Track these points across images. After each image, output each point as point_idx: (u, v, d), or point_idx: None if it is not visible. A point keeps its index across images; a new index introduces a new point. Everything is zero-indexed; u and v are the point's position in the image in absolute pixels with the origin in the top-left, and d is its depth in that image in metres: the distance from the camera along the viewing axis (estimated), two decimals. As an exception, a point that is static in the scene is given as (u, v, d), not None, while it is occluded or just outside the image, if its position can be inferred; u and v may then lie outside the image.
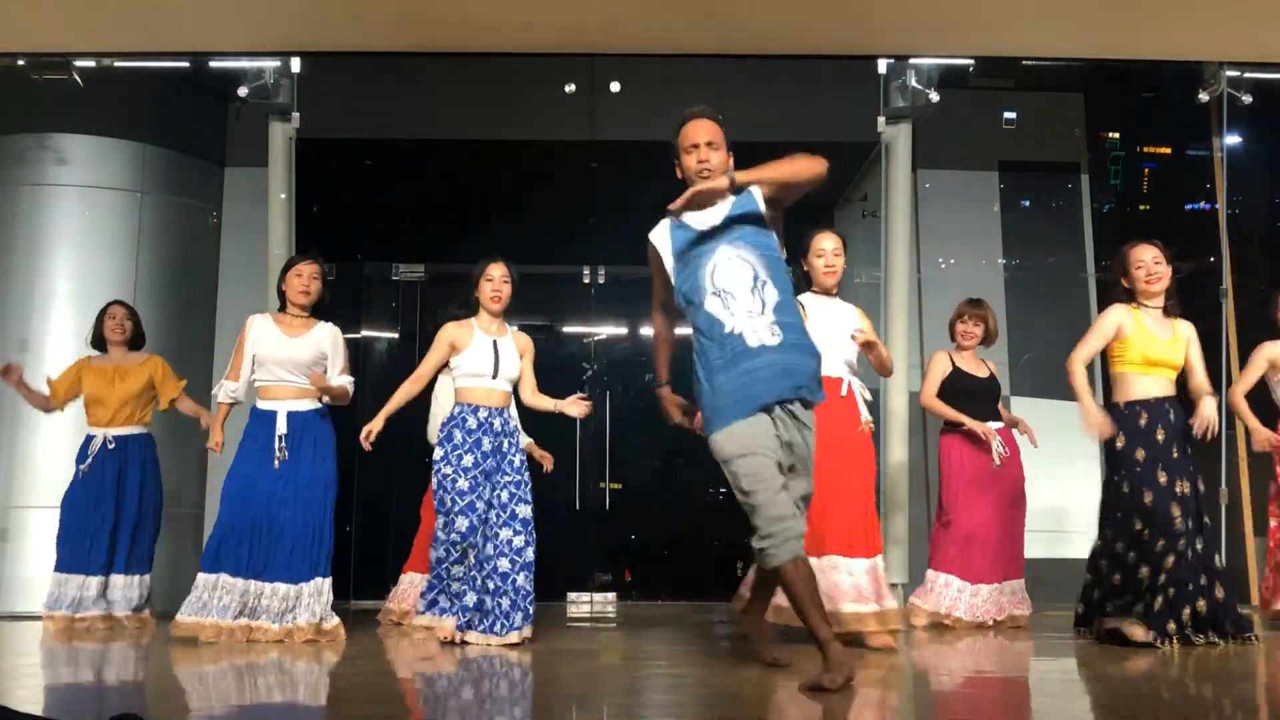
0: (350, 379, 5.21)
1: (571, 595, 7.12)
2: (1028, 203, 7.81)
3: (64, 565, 5.64)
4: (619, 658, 4.51)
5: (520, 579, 4.79)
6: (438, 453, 4.98)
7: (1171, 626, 4.52)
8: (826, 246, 4.92)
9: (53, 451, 6.62)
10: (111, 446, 5.72)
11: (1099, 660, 4.31)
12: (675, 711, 3.21)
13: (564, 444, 7.59)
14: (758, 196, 3.72)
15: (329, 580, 4.97)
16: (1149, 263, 4.84)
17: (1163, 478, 4.65)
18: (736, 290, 3.58)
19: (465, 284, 5.10)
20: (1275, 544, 5.68)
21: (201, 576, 4.92)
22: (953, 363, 5.93)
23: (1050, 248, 7.69)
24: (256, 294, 6.55)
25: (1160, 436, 4.72)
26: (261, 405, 5.05)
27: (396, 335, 8.57)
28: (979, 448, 5.80)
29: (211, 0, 6.28)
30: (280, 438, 4.96)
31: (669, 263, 3.76)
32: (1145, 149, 8.41)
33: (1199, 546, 4.61)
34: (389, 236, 8.62)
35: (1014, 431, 5.99)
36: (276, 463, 4.94)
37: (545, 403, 5.04)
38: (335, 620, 4.95)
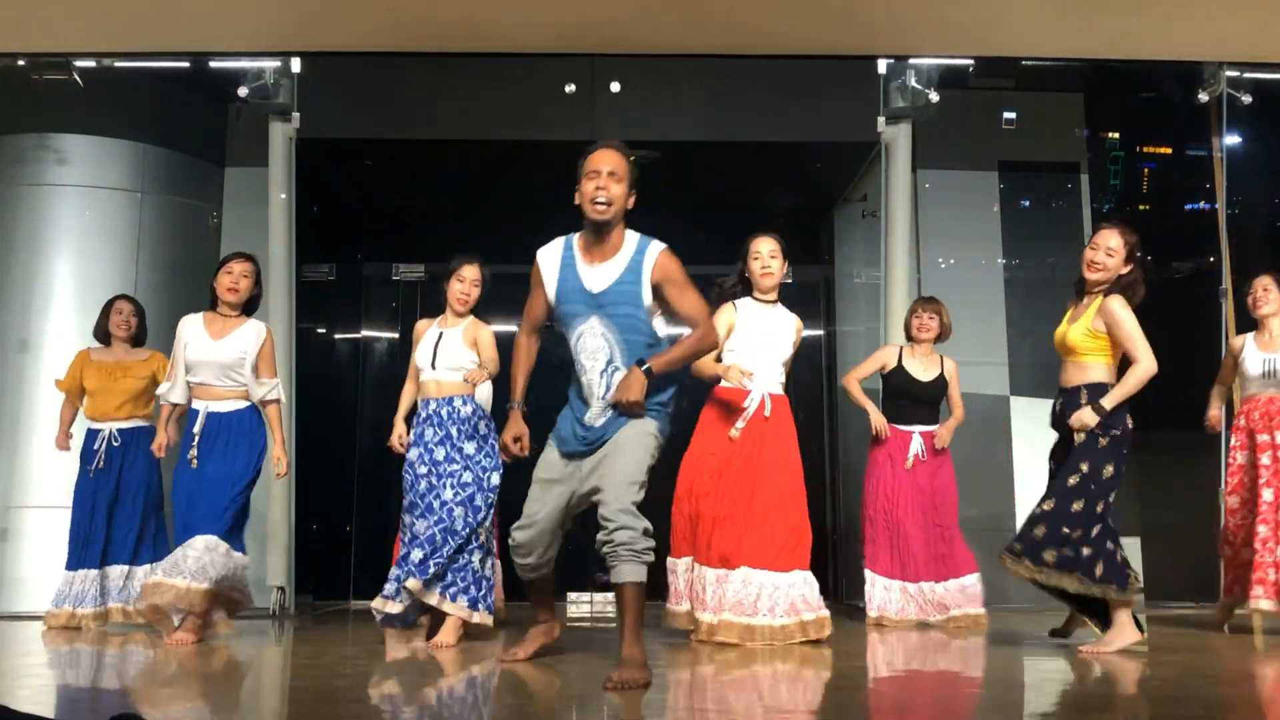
0: (273, 382, 5.11)
1: (571, 595, 7.11)
2: (1027, 203, 7.81)
3: (71, 563, 5.65)
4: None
5: (447, 551, 4.78)
6: None
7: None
8: (762, 249, 4.95)
9: (53, 451, 6.62)
10: (117, 444, 5.72)
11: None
12: (675, 711, 3.21)
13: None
14: (646, 275, 3.69)
15: (226, 545, 4.88)
16: None
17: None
18: (589, 367, 3.75)
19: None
20: (1228, 536, 5.64)
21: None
22: (900, 360, 5.96)
23: (1050, 248, 7.69)
24: (257, 294, 6.56)
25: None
26: (194, 405, 5.08)
27: (396, 335, 8.56)
28: (899, 448, 5.85)
29: (211, 0, 6.28)
30: (194, 436, 4.96)
31: (551, 290, 3.83)
32: (1145, 149, 8.42)
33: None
34: (389, 236, 8.62)
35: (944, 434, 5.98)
36: (192, 462, 4.94)
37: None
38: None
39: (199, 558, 4.79)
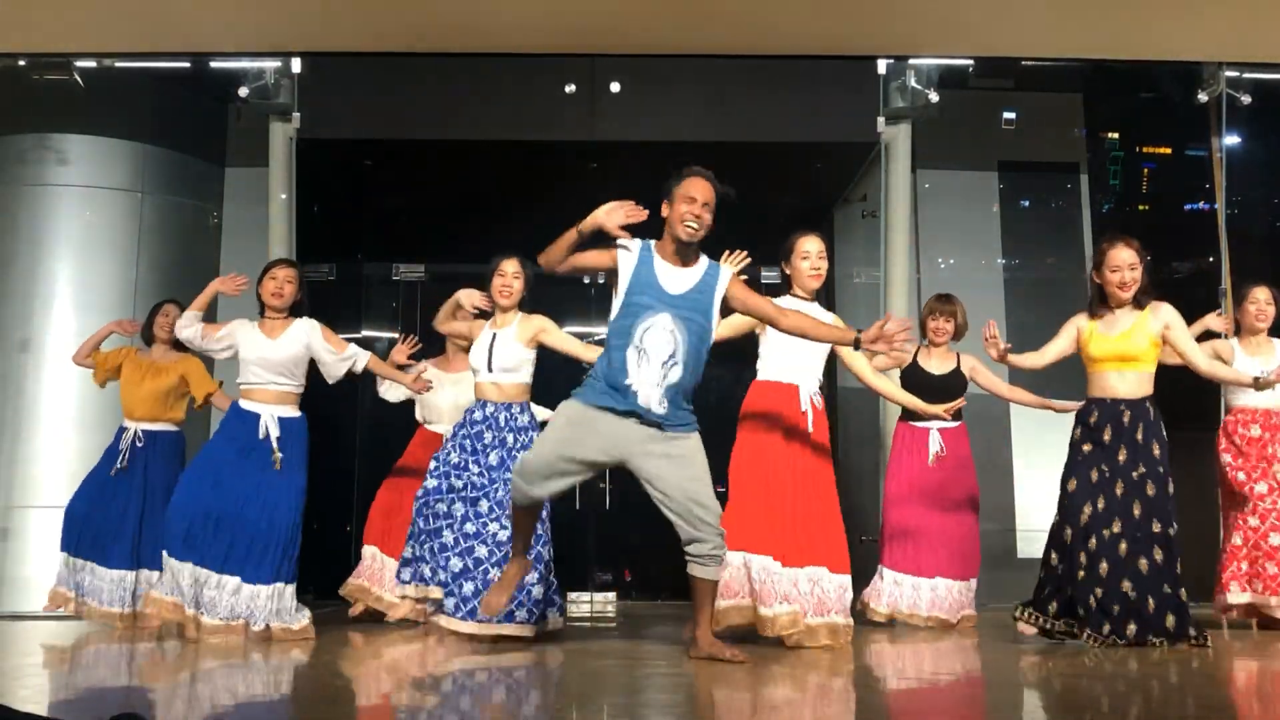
0: (351, 348, 5.18)
1: (571, 595, 7.12)
2: (1027, 203, 7.81)
3: (67, 544, 5.60)
4: (619, 658, 4.52)
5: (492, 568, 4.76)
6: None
7: (1038, 617, 4.71)
8: (811, 249, 4.85)
9: (53, 451, 6.64)
10: (140, 445, 5.70)
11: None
12: (675, 711, 3.21)
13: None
14: (720, 287, 4.12)
15: (291, 587, 4.93)
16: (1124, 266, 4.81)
17: (1094, 475, 4.68)
18: (653, 357, 4.03)
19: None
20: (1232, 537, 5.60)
21: (173, 562, 4.90)
22: (915, 358, 5.93)
23: (1049, 248, 7.70)
24: (256, 294, 6.56)
25: (1107, 436, 4.71)
26: (244, 405, 5.05)
27: (397, 335, 8.56)
28: (918, 445, 5.83)
29: (212, 1, 6.29)
30: (274, 439, 4.95)
31: (625, 277, 4.12)
32: (1144, 149, 8.42)
33: (1121, 549, 4.57)
34: (389, 236, 8.62)
35: (967, 437, 5.92)
36: (277, 463, 4.93)
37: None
38: (305, 619, 4.94)
39: (267, 607, 4.87)
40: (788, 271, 4.89)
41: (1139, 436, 4.68)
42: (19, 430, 6.89)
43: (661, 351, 4.01)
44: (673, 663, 4.22)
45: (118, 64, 6.92)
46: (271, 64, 6.80)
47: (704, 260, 4.17)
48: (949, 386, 5.87)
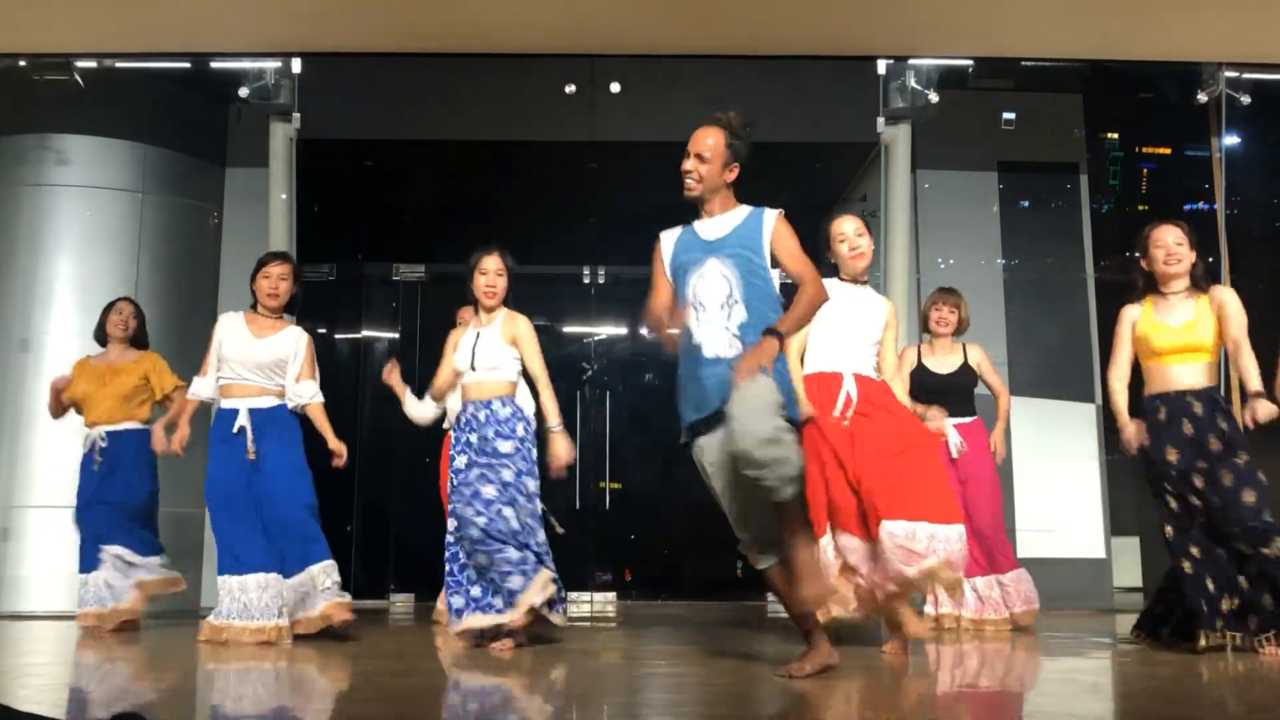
0: (314, 386, 5.11)
1: (571, 595, 7.11)
2: (1027, 203, 7.82)
3: (86, 566, 5.60)
4: (619, 658, 4.52)
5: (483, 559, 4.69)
6: None
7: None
8: (847, 229, 4.65)
9: (53, 451, 6.63)
10: (104, 445, 5.65)
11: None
12: (675, 711, 3.22)
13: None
14: (767, 227, 3.78)
15: (332, 561, 4.93)
16: (1170, 244, 4.57)
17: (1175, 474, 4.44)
18: (709, 303, 3.75)
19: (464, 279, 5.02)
20: None
21: (232, 580, 4.84)
22: (919, 358, 5.82)
23: (1049, 248, 7.70)
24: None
25: (1189, 430, 4.44)
26: (224, 404, 5.03)
27: (397, 335, 8.57)
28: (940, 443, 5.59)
29: (212, 1, 6.29)
30: (243, 430, 4.91)
31: (667, 257, 3.91)
32: (1144, 149, 8.44)
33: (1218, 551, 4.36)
34: (389, 236, 8.62)
35: (983, 427, 5.79)
36: (252, 456, 4.90)
37: (546, 406, 4.85)
38: (348, 596, 4.94)
39: (323, 584, 4.85)
40: (833, 260, 4.76)
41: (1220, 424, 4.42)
42: (19, 430, 6.89)
43: (718, 294, 3.74)
44: (673, 663, 4.22)
45: (118, 64, 6.92)
46: (271, 64, 6.81)
47: (742, 207, 3.88)
48: (958, 385, 5.76)
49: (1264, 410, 4.27)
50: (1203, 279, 4.60)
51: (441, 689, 3.74)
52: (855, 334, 4.60)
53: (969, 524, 5.54)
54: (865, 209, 7.60)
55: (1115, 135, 8.23)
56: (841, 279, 4.69)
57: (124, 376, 5.75)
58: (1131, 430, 4.53)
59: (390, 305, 8.69)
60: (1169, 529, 4.47)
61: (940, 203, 7.63)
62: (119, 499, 5.60)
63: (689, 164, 3.86)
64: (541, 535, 4.79)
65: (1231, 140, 7.49)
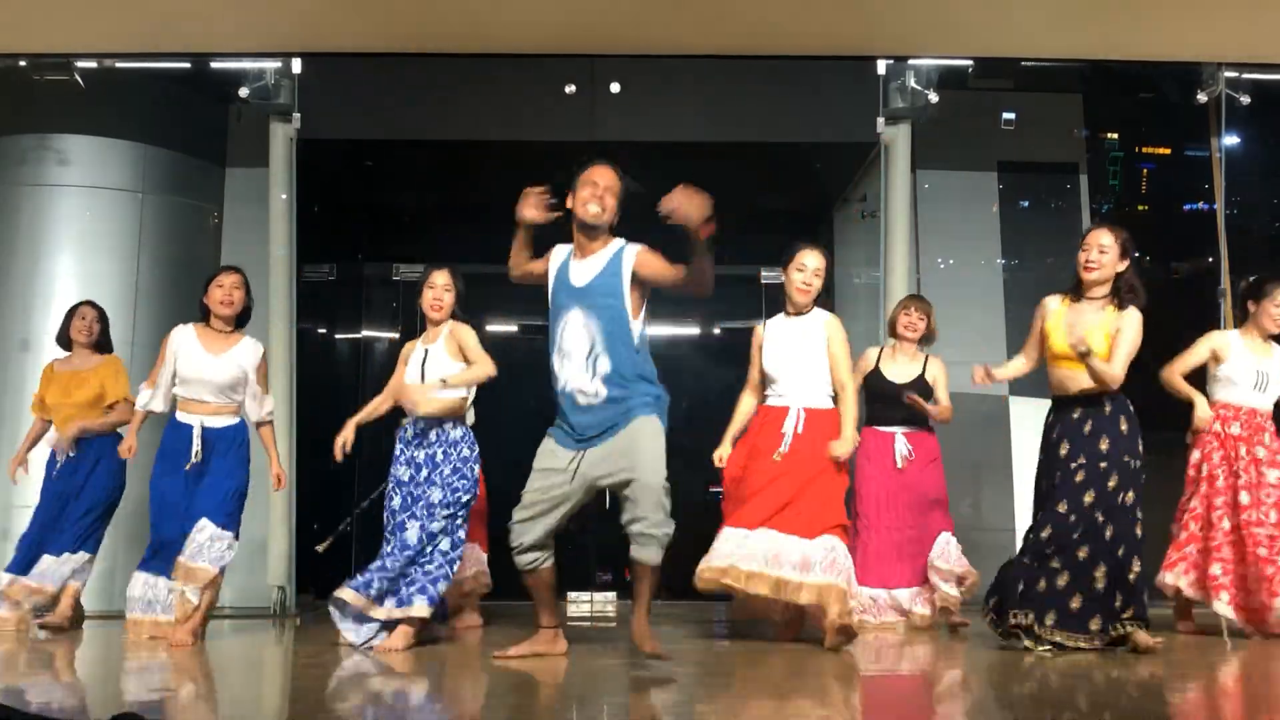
0: (270, 402, 5.17)
1: (571, 595, 7.12)
2: (1026, 203, 7.82)
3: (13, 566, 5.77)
4: (619, 658, 4.52)
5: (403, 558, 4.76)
6: None
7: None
8: (808, 262, 4.81)
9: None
10: (72, 454, 5.72)
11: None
12: (675, 711, 3.22)
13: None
14: (626, 266, 4.01)
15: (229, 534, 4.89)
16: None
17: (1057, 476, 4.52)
18: (574, 353, 4.02)
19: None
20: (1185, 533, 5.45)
21: (142, 576, 5.07)
22: (877, 362, 5.78)
23: (1049, 248, 7.69)
24: (257, 295, 6.53)
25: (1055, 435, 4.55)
26: (179, 417, 5.04)
27: (397, 335, 8.57)
28: (881, 450, 5.62)
29: (212, 1, 6.29)
30: (195, 451, 4.93)
31: (551, 282, 4.17)
32: (1144, 149, 8.43)
33: (1080, 554, 4.44)
34: (389, 236, 8.62)
35: (934, 438, 5.76)
36: (188, 466, 4.92)
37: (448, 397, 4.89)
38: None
39: (211, 546, 4.81)
40: (782, 278, 4.90)
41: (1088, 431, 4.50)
42: (19, 430, 6.86)
43: (581, 347, 4.01)
44: (673, 663, 4.23)
45: (118, 64, 6.91)
46: (271, 64, 6.81)
47: (614, 243, 4.09)
48: (908, 392, 5.64)
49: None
50: (1125, 293, 4.50)
51: (441, 688, 3.74)
52: (800, 366, 4.77)
53: (900, 533, 5.54)
54: (865, 209, 7.61)
55: (1115, 135, 8.22)
56: (786, 313, 4.82)
57: (85, 385, 5.79)
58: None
59: (390, 305, 8.69)
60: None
61: (940, 203, 7.63)
62: (78, 493, 5.71)
63: (600, 192, 4.06)
64: (439, 559, 4.82)
65: (1231, 140, 7.48)
